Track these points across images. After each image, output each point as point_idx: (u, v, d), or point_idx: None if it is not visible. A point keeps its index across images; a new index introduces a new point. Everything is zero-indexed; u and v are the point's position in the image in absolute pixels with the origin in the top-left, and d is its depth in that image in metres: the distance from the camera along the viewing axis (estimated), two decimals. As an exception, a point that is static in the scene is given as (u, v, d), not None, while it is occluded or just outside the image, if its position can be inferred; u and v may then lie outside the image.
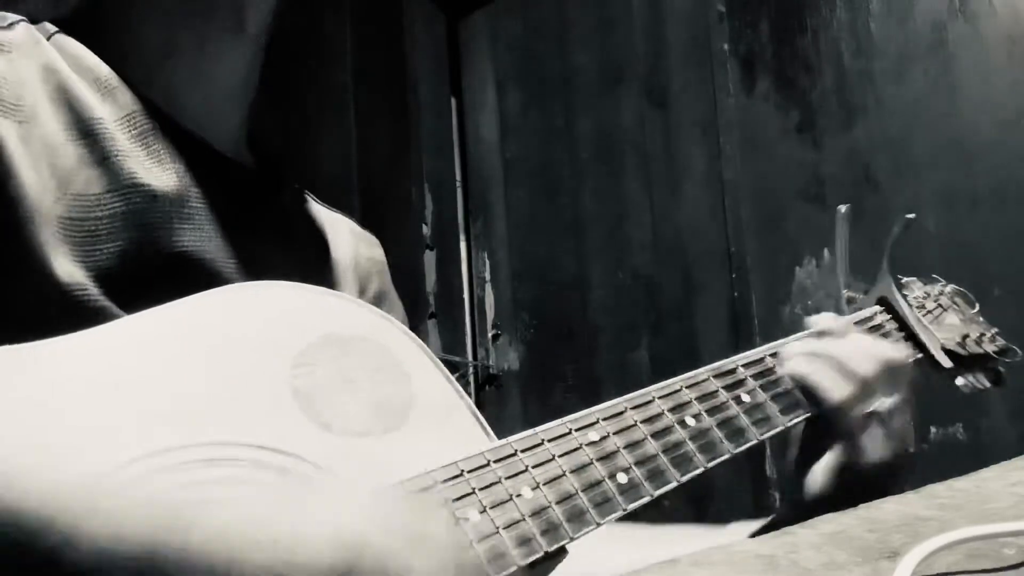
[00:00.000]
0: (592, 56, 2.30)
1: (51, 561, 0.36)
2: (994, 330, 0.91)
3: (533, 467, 0.54)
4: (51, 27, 0.65)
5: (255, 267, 0.64)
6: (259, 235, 0.69)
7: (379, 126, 2.22)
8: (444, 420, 0.56)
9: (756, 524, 0.75)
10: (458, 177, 2.52)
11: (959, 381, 0.85)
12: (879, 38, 1.87)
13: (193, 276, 0.60)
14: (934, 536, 0.42)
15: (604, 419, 0.59)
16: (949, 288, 0.92)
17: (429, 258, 2.37)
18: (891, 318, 0.84)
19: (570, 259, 2.28)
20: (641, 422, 0.60)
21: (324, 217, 0.80)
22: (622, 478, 0.57)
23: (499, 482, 0.52)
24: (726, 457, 0.64)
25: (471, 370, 2.40)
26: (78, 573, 0.36)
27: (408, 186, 2.32)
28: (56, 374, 0.47)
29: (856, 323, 0.80)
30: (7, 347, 0.47)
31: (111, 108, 0.63)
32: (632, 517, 0.59)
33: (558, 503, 0.53)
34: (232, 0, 0.68)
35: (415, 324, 2.18)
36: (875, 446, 0.72)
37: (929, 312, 0.87)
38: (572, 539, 0.52)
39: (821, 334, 0.76)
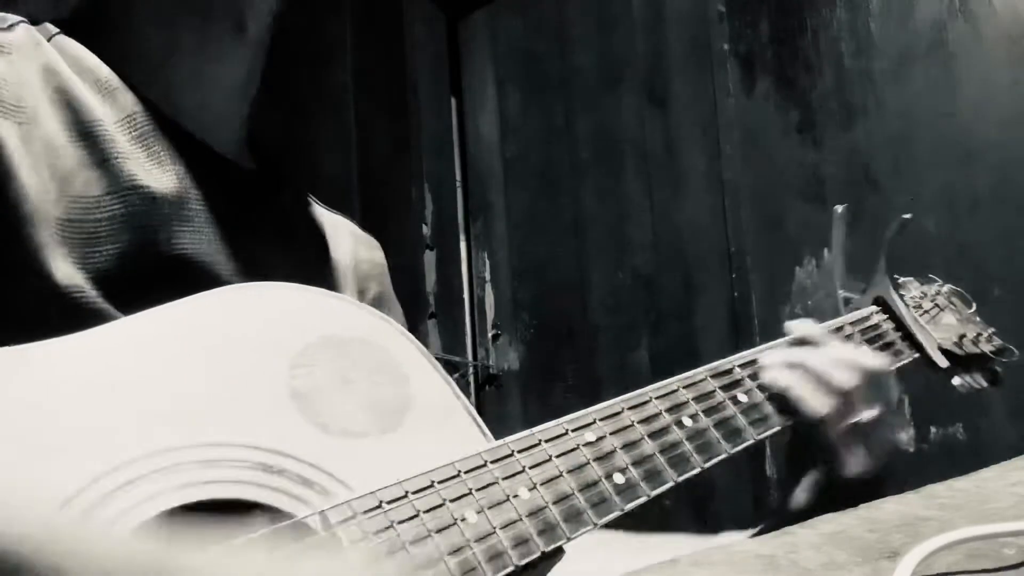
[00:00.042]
0: (592, 56, 2.30)
1: None
2: (991, 330, 0.91)
3: (530, 468, 0.54)
4: (52, 28, 0.65)
5: (254, 269, 0.64)
6: (259, 237, 0.69)
7: (379, 126, 2.22)
8: (442, 421, 0.56)
9: (746, 535, 0.75)
10: (458, 177, 2.52)
11: (956, 381, 0.85)
12: (879, 38, 1.87)
13: (192, 278, 0.60)
14: (934, 536, 0.42)
15: (601, 419, 0.59)
16: (946, 288, 0.92)
17: (429, 258, 2.37)
18: (888, 318, 0.84)
19: (570, 259, 2.28)
20: (638, 422, 0.61)
21: (324, 219, 0.80)
22: (619, 478, 0.57)
23: (496, 483, 0.52)
24: (723, 457, 0.64)
25: (471, 370, 2.40)
26: None
27: (408, 186, 2.32)
28: (53, 375, 0.47)
29: (835, 329, 0.79)
30: (4, 348, 0.47)
31: (111, 109, 0.63)
32: (631, 520, 0.59)
33: (555, 503, 0.53)
34: (232, 2, 0.68)
35: (415, 324, 2.18)
36: (857, 459, 0.71)
37: (926, 312, 0.87)
38: (569, 539, 0.52)
39: (799, 342, 0.75)
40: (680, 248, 2.11)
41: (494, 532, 0.50)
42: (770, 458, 1.86)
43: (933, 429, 1.71)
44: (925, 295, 0.89)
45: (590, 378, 2.20)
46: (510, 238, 2.41)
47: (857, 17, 1.89)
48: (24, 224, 0.55)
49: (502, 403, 2.37)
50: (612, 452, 0.58)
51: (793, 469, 0.75)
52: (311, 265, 0.75)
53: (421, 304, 2.30)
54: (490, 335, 2.41)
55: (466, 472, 0.52)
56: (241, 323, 0.54)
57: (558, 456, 0.55)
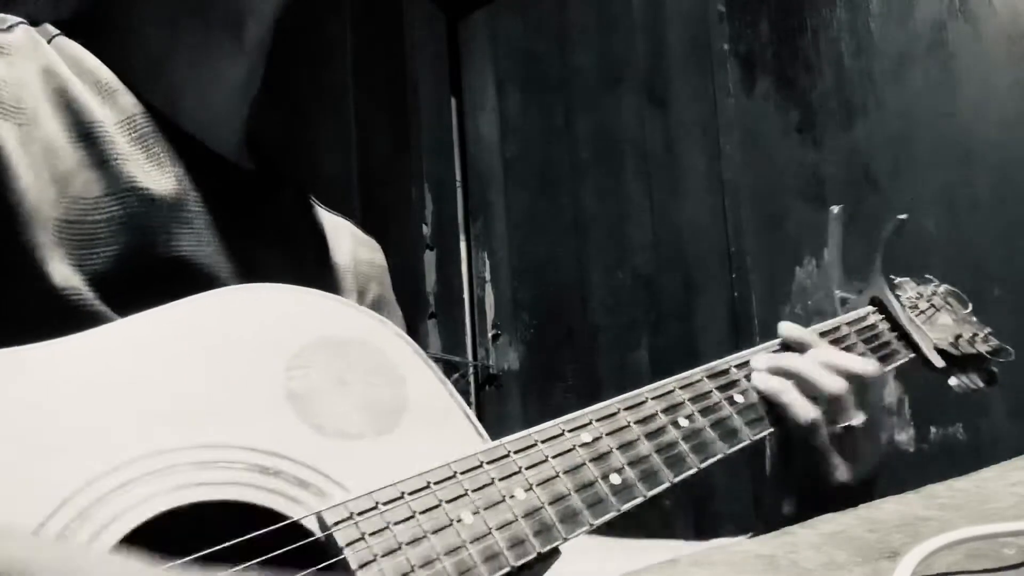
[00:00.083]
0: (592, 56, 2.30)
1: None
2: (987, 330, 0.91)
3: (526, 468, 0.54)
4: (52, 29, 0.65)
5: (253, 271, 0.64)
6: (258, 238, 0.69)
7: (379, 126, 2.22)
8: (438, 422, 0.56)
9: (736, 541, 0.75)
10: (458, 177, 2.52)
11: (952, 381, 0.85)
12: (879, 38, 1.86)
13: (190, 280, 0.60)
14: (934, 536, 0.42)
15: (597, 420, 0.59)
16: (942, 288, 0.92)
17: (429, 258, 2.37)
18: (884, 318, 0.84)
19: (570, 259, 2.28)
20: (634, 423, 0.61)
21: (324, 220, 0.80)
22: (615, 479, 0.57)
23: (492, 483, 0.52)
24: (720, 457, 0.64)
25: (471, 370, 2.40)
26: None
27: (408, 186, 2.31)
28: (50, 376, 0.47)
29: (830, 330, 0.79)
30: (2, 349, 0.47)
31: (111, 111, 0.63)
32: (631, 521, 0.59)
33: (551, 504, 0.53)
34: (231, 8, 0.68)
35: (415, 324, 2.19)
36: (844, 466, 0.71)
37: (922, 312, 0.87)
38: (565, 540, 0.52)
39: (786, 347, 0.75)
40: (680, 248, 2.11)
41: (490, 533, 0.50)
42: (770, 458, 1.85)
43: (933, 429, 1.71)
44: (921, 295, 0.89)
45: (590, 378, 2.20)
46: (510, 238, 2.41)
47: (857, 17, 1.89)
48: (22, 225, 0.55)
49: (502, 403, 2.37)
50: (608, 453, 0.58)
51: (779, 474, 0.75)
52: (311, 266, 0.75)
53: (421, 304, 2.30)
54: (490, 335, 2.41)
55: (462, 473, 0.52)
56: (237, 324, 0.54)
57: (554, 457, 0.55)
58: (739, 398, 0.68)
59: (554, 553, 0.52)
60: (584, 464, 0.56)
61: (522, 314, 2.36)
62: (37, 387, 0.47)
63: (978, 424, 1.67)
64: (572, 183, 2.30)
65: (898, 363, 0.82)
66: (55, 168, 0.58)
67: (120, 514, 0.44)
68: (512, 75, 2.46)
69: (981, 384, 0.86)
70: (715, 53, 2.08)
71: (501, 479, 0.52)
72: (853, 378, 0.72)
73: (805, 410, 0.69)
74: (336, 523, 0.47)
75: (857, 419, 0.71)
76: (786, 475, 0.74)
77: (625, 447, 0.59)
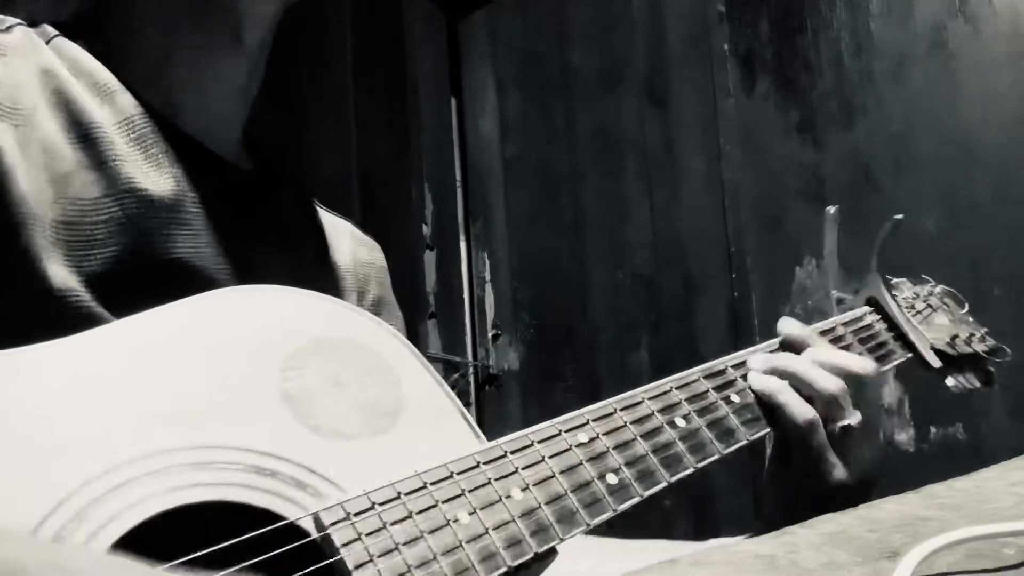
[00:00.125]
0: (592, 56, 2.30)
1: None
2: (983, 330, 0.91)
3: (523, 468, 0.54)
4: (51, 30, 0.65)
5: (252, 272, 0.64)
6: (257, 239, 0.68)
7: (379, 126, 2.22)
8: (434, 423, 0.56)
9: (736, 541, 0.75)
10: (458, 177, 2.52)
11: (949, 381, 0.85)
12: (879, 38, 1.86)
13: (188, 282, 0.60)
14: (934, 536, 0.42)
15: (594, 420, 0.59)
16: (939, 288, 0.92)
17: (429, 258, 2.37)
18: (880, 318, 0.84)
19: (570, 259, 2.28)
20: (631, 423, 0.61)
21: (324, 221, 0.80)
22: (612, 479, 0.57)
23: (489, 483, 0.52)
24: (716, 457, 0.64)
25: (471, 370, 2.40)
26: None
27: (408, 186, 2.31)
28: (48, 377, 0.47)
29: (827, 330, 0.78)
30: (1, 351, 0.46)
31: (110, 112, 0.62)
32: (629, 522, 0.59)
33: (548, 504, 0.53)
34: (229, 13, 0.68)
35: (415, 324, 2.19)
36: (842, 465, 0.71)
37: (918, 312, 0.86)
38: (562, 540, 0.52)
39: (784, 346, 0.75)
40: (680, 248, 2.11)
41: (487, 533, 0.50)
42: (769, 459, 1.85)
43: (933, 429, 1.71)
44: (918, 295, 0.89)
45: (590, 378, 2.20)
46: (510, 238, 2.41)
47: (857, 17, 1.89)
48: (20, 226, 0.55)
49: (502, 403, 2.37)
50: (605, 453, 0.58)
51: (778, 475, 0.74)
52: (310, 267, 0.75)
53: (421, 304, 2.30)
54: (490, 335, 2.41)
55: (459, 473, 0.52)
56: (233, 326, 0.54)
57: (551, 457, 0.55)
58: (735, 398, 0.68)
59: (551, 553, 0.52)
60: (580, 464, 0.56)
61: (522, 314, 2.36)
62: (34, 388, 0.47)
63: (978, 424, 1.67)
64: (572, 183, 2.30)
65: (895, 363, 0.82)
66: (53, 169, 0.58)
67: (117, 514, 0.44)
68: (512, 75, 2.46)
69: (978, 384, 0.86)
70: (715, 53, 2.08)
71: (498, 479, 0.52)
72: (850, 377, 0.72)
73: (802, 410, 0.69)
74: (332, 523, 0.47)
75: (854, 419, 0.70)
76: (785, 475, 0.74)
77: (621, 447, 0.59)
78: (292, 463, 0.50)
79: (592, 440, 0.58)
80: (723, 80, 2.07)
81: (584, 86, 2.31)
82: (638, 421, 0.61)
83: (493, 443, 0.55)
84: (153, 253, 0.60)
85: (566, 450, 0.56)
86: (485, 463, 0.53)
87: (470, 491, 0.51)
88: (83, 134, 0.60)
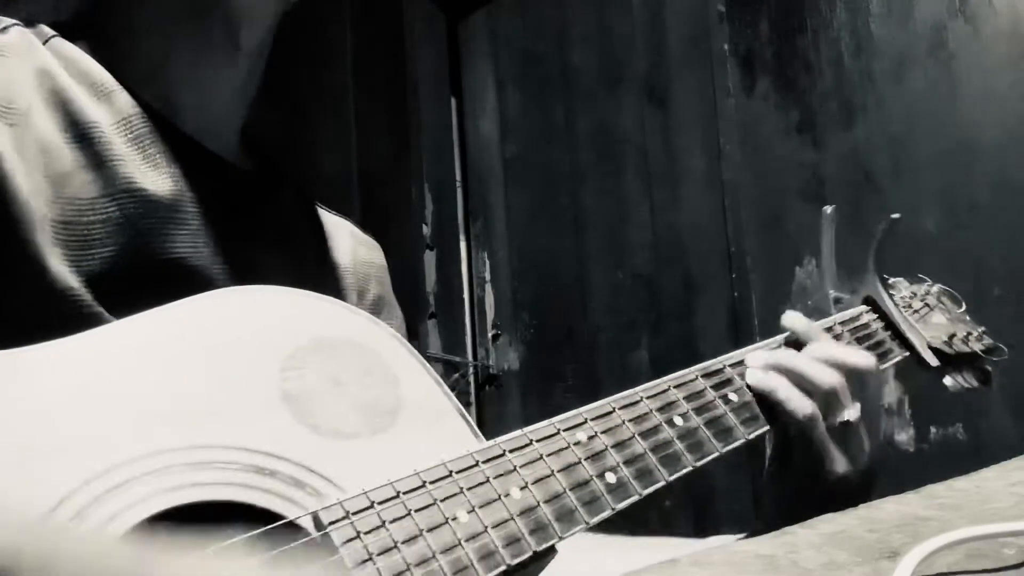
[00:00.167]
0: (592, 56, 2.30)
1: None
2: (981, 329, 0.91)
3: (521, 467, 0.54)
4: (48, 31, 0.65)
5: (251, 271, 0.64)
6: (256, 239, 0.68)
7: (379, 126, 2.22)
8: (433, 422, 0.56)
9: (735, 539, 0.75)
10: (458, 177, 2.52)
11: (947, 381, 0.85)
12: (879, 38, 1.86)
13: (186, 281, 0.60)
14: (934, 536, 0.42)
15: (592, 419, 0.59)
16: (936, 288, 0.92)
17: (429, 258, 2.37)
18: (877, 317, 0.84)
19: (570, 259, 2.28)
20: (629, 422, 0.61)
21: (324, 220, 0.80)
22: (610, 477, 0.57)
23: (487, 482, 0.52)
24: (715, 456, 0.64)
25: (471, 370, 2.40)
26: None
27: (408, 186, 2.31)
28: (48, 378, 0.47)
29: (824, 329, 0.79)
30: (1, 352, 0.46)
31: (107, 112, 0.62)
32: (628, 522, 0.59)
33: (546, 502, 0.53)
34: (227, 14, 0.68)
35: (415, 324, 2.19)
36: (843, 458, 0.71)
37: (915, 311, 0.87)
38: (561, 538, 0.52)
39: (788, 342, 0.75)
40: (680, 248, 2.11)
41: (486, 531, 0.50)
42: (769, 458, 1.85)
43: (933, 429, 1.71)
44: (915, 295, 0.89)
45: (590, 378, 2.20)
46: (510, 238, 2.41)
47: (857, 17, 1.89)
48: (18, 225, 0.55)
49: (502, 403, 2.37)
50: (603, 451, 0.58)
51: (778, 471, 0.75)
52: (310, 267, 0.75)
53: (421, 304, 2.30)
54: (490, 335, 2.41)
55: (457, 472, 0.52)
56: (232, 326, 0.54)
57: (549, 455, 0.55)
58: (734, 397, 0.68)
59: (550, 552, 0.52)
60: (579, 463, 0.56)
61: (522, 314, 2.36)
62: (35, 388, 0.47)
63: (978, 424, 1.67)
64: (572, 183, 2.30)
65: (892, 361, 0.82)
66: (51, 168, 0.58)
67: (117, 514, 0.44)
68: (512, 75, 2.46)
69: (976, 383, 0.86)
70: (715, 53, 2.08)
71: (496, 477, 0.52)
72: (849, 372, 0.72)
73: (802, 404, 0.69)
74: (332, 522, 0.47)
75: (854, 412, 0.71)
76: (785, 475, 0.74)
77: (620, 446, 0.59)
78: (291, 463, 0.50)
79: (590, 439, 0.58)
80: (723, 80, 2.07)
81: (584, 86, 2.31)
82: (636, 420, 0.61)
83: (492, 442, 0.55)
84: (151, 253, 0.60)
85: (564, 449, 0.56)
86: (483, 462, 0.53)
87: (469, 489, 0.51)
88: (81, 134, 0.60)
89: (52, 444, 0.45)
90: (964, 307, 0.93)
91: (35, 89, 0.60)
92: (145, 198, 0.61)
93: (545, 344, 2.32)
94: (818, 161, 1.91)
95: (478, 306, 2.45)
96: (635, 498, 0.57)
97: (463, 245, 2.49)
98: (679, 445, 0.62)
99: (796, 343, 0.75)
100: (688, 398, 0.65)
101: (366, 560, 0.46)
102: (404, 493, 0.50)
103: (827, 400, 0.70)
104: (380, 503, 0.49)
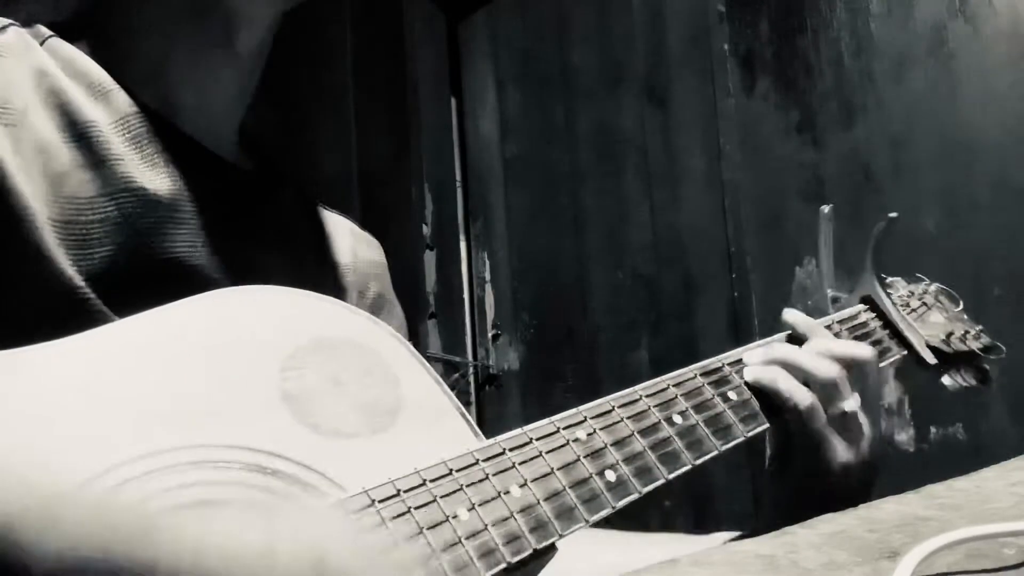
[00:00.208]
0: (592, 56, 2.30)
1: (8, 573, 0.35)
2: (978, 328, 0.91)
3: (521, 465, 0.54)
4: (45, 31, 0.65)
5: (251, 271, 0.64)
6: (255, 239, 0.68)
7: (379, 126, 2.22)
8: (433, 422, 0.56)
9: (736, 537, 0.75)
10: (458, 177, 2.52)
11: (946, 380, 0.85)
12: (879, 38, 1.86)
13: (186, 281, 0.60)
14: (934, 536, 0.42)
15: (591, 418, 0.60)
16: (933, 287, 0.93)
17: (429, 258, 2.37)
18: (875, 316, 0.84)
19: (570, 259, 2.28)
20: (628, 419, 0.61)
21: (324, 219, 0.80)
22: (610, 475, 0.57)
23: (487, 480, 0.52)
24: (714, 454, 0.64)
25: (471, 370, 2.40)
26: None
27: (408, 186, 2.31)
28: (49, 377, 0.47)
29: (826, 326, 0.79)
30: (1, 352, 0.47)
31: (105, 111, 0.62)
32: (629, 522, 0.59)
33: (546, 500, 0.53)
34: (226, 18, 0.68)
35: (415, 324, 2.19)
36: (844, 446, 0.71)
37: (913, 310, 0.87)
38: (561, 536, 0.52)
39: (788, 340, 0.75)
40: (680, 248, 2.11)
41: (486, 529, 0.50)
42: (769, 458, 1.85)
43: (933, 429, 1.71)
44: (912, 294, 0.89)
45: (590, 378, 2.20)
46: (510, 238, 2.41)
47: (857, 17, 1.89)
48: (19, 225, 0.55)
49: (502, 403, 2.37)
50: (602, 449, 0.58)
51: (779, 465, 0.75)
52: (309, 266, 0.75)
53: (421, 304, 2.30)
54: (490, 335, 2.41)
55: (457, 470, 0.52)
56: (232, 326, 0.54)
57: (548, 453, 0.56)
58: (732, 395, 0.68)
59: (550, 550, 0.52)
60: (578, 461, 0.56)
61: (522, 314, 2.36)
62: (35, 388, 0.47)
63: (978, 424, 1.67)
64: (572, 183, 2.30)
65: (890, 360, 0.82)
66: (49, 168, 0.58)
67: None
68: (512, 75, 2.46)
69: (974, 382, 0.87)
70: (715, 53, 2.08)
71: (496, 475, 0.53)
72: (848, 364, 0.72)
73: (801, 395, 0.70)
74: (332, 521, 0.47)
75: (853, 402, 0.71)
76: (785, 473, 0.74)
77: (619, 444, 0.59)
78: (292, 462, 0.50)
79: (590, 436, 0.58)
80: (723, 80, 2.07)
81: (584, 86, 2.31)
82: (635, 418, 0.61)
83: (491, 440, 0.55)
84: (150, 252, 0.60)
85: (563, 446, 0.56)
86: (483, 460, 0.53)
87: (468, 487, 0.51)
88: (79, 133, 0.60)
89: (53, 444, 0.45)
90: (962, 306, 0.93)
91: (32, 89, 0.60)
92: (144, 197, 0.61)
93: (545, 344, 2.32)
94: (818, 161, 1.91)
95: (478, 306, 2.45)
96: (635, 496, 0.57)
97: (463, 245, 2.49)
98: (678, 443, 0.62)
99: (796, 340, 0.75)
100: (687, 396, 0.65)
101: (366, 559, 0.46)
102: (404, 491, 0.50)
103: (826, 391, 0.71)
104: (380, 501, 0.49)
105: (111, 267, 0.58)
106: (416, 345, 0.60)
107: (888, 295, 0.85)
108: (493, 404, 2.37)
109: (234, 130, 0.73)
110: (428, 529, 0.49)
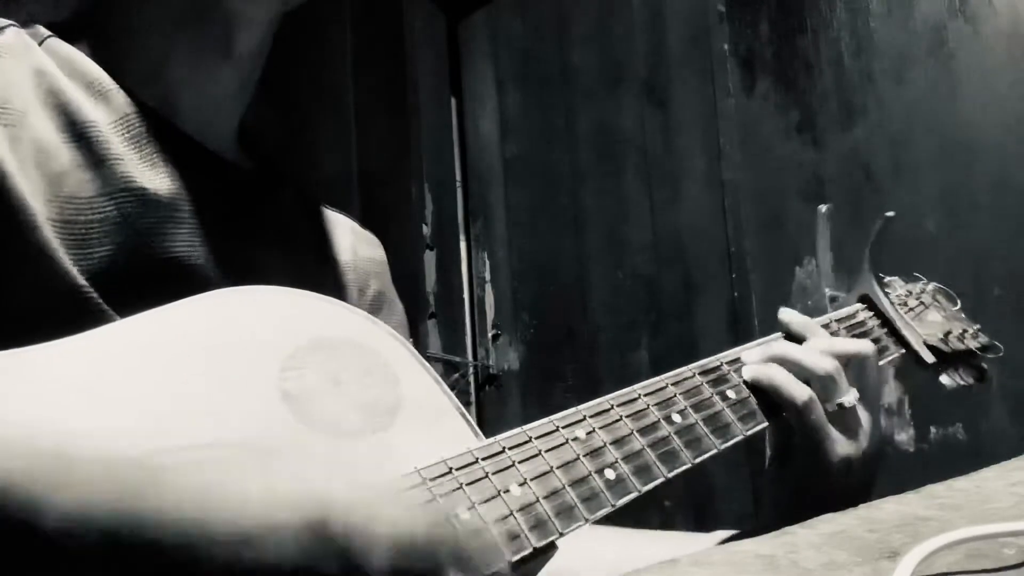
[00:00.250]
0: (592, 56, 2.30)
1: (18, 532, 0.35)
2: (976, 326, 0.91)
3: (520, 463, 0.54)
4: (44, 31, 0.65)
5: (251, 271, 0.64)
6: (255, 238, 0.68)
7: (379, 126, 2.22)
8: (433, 421, 0.56)
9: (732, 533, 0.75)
10: (458, 177, 2.52)
11: (944, 379, 0.85)
12: (879, 38, 1.86)
13: (185, 281, 0.60)
14: (934, 536, 0.42)
15: (591, 416, 0.60)
16: (931, 286, 0.93)
17: (429, 258, 2.37)
18: (873, 315, 0.84)
19: (570, 259, 2.28)
20: (627, 418, 0.61)
21: (324, 217, 0.80)
22: (609, 474, 0.57)
23: (486, 478, 0.52)
24: (713, 453, 0.64)
25: (471, 370, 2.40)
26: (48, 542, 0.36)
27: (408, 186, 2.31)
28: (51, 377, 0.47)
29: (824, 325, 0.79)
30: (2, 352, 0.47)
31: (104, 111, 0.62)
32: (629, 521, 0.59)
33: (546, 498, 0.53)
34: (226, 19, 0.68)
35: (415, 324, 2.18)
36: (843, 439, 0.71)
37: (911, 309, 0.87)
38: (561, 534, 0.53)
39: (787, 338, 0.75)
40: (680, 248, 2.11)
41: (486, 528, 0.50)
42: (769, 457, 1.85)
43: (933, 429, 1.71)
44: (910, 293, 0.90)
45: (590, 378, 2.20)
46: (510, 238, 2.41)
47: (857, 17, 1.89)
48: (20, 225, 0.55)
49: (502, 403, 2.37)
50: (601, 448, 0.58)
51: (779, 462, 0.75)
52: (309, 265, 0.75)
53: (421, 304, 2.30)
54: (490, 335, 2.41)
55: (457, 469, 0.52)
56: (233, 326, 0.54)
57: (548, 451, 0.56)
58: (731, 394, 0.69)
59: (551, 548, 0.52)
60: (578, 459, 0.56)
61: (522, 314, 2.36)
62: (36, 388, 0.47)
63: (978, 424, 1.67)
64: (572, 183, 2.30)
65: (888, 359, 0.82)
66: (48, 168, 0.58)
67: None
68: (512, 75, 2.46)
69: (972, 381, 0.87)
70: (715, 53, 2.08)
71: (495, 473, 0.53)
72: (846, 359, 0.72)
73: (799, 390, 0.70)
74: (333, 520, 0.47)
75: (851, 396, 0.71)
76: (785, 472, 0.74)
77: (618, 443, 0.59)
78: (292, 462, 0.50)
79: (589, 435, 0.58)
80: (723, 80, 2.07)
81: (584, 86, 2.31)
82: (634, 417, 0.61)
83: (491, 439, 0.55)
84: (150, 252, 0.60)
85: (563, 445, 0.57)
86: (483, 459, 0.53)
87: (468, 485, 0.51)
88: (78, 133, 0.60)
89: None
90: (959, 305, 0.93)
91: (32, 89, 0.60)
92: (143, 197, 0.61)
93: (545, 344, 2.32)
94: (818, 161, 1.91)
95: (478, 306, 2.45)
96: (634, 494, 0.57)
97: (463, 245, 2.49)
98: (677, 442, 0.62)
99: (793, 339, 0.76)
100: (686, 395, 0.65)
101: (367, 558, 0.46)
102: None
103: (824, 385, 0.71)
104: (381, 500, 0.49)
105: (111, 267, 0.58)
106: (416, 345, 0.60)
107: (886, 294, 0.85)
108: (493, 404, 2.37)
109: (234, 129, 0.73)
110: (428, 528, 0.48)
